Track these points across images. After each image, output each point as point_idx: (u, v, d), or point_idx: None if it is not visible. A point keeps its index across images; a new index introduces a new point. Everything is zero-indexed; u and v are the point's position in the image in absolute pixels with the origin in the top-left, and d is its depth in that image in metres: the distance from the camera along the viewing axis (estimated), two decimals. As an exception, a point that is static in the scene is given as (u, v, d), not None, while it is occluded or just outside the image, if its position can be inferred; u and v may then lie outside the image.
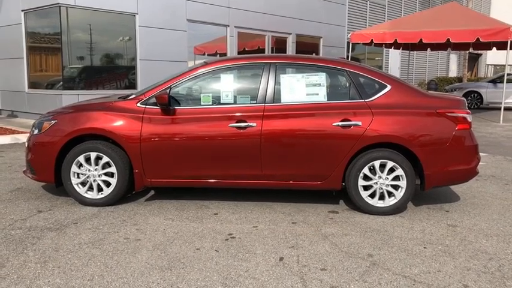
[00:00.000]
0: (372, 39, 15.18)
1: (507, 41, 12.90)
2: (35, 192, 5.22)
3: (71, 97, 10.38)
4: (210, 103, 4.70)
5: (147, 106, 4.68)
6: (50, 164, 4.69)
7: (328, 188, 4.73)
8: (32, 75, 11.46)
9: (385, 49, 20.93)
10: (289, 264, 3.47)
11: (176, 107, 4.65)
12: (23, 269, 3.29)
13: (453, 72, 26.74)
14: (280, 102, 4.67)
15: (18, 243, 3.76)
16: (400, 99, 4.65)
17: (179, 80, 4.76)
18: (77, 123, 4.64)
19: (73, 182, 4.70)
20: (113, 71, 11.46)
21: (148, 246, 3.75)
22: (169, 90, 4.68)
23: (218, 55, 13.73)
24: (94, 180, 4.70)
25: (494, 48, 15.52)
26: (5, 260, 3.44)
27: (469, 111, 4.72)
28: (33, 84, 11.48)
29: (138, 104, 4.70)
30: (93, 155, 4.66)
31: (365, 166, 4.60)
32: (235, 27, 13.88)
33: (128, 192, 4.95)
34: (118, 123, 4.62)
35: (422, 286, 3.16)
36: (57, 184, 4.80)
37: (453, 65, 27.20)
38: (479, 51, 29.19)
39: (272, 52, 15.21)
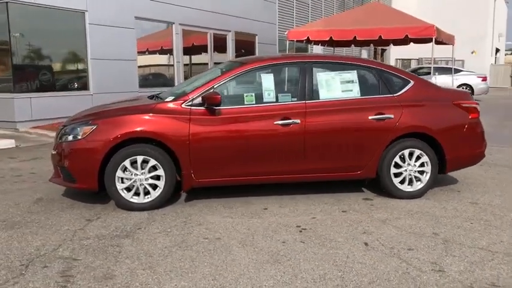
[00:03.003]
0: (308, 37, 15.84)
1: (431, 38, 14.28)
2: (62, 201, 4.96)
3: (23, 101, 9.67)
4: (254, 102, 4.83)
5: (192, 107, 4.69)
6: (94, 170, 4.51)
7: (364, 177, 5.10)
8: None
9: (309, 46, 21.88)
10: (378, 248, 3.77)
11: (222, 107, 4.71)
12: (138, 277, 3.23)
13: (365, 67, 28.74)
14: (319, 99, 4.94)
15: (102, 252, 3.64)
16: (422, 93, 5.15)
17: (221, 80, 4.83)
18: (122, 127, 4.52)
19: (118, 187, 4.57)
20: (65, 71, 10.86)
21: (235, 243, 3.83)
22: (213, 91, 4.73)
23: (171, 53, 13.52)
24: (141, 184, 4.61)
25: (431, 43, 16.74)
26: (108, 269, 3.34)
27: (477, 102, 5.36)
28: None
29: (183, 105, 4.69)
30: (139, 158, 4.56)
31: (396, 155, 5.04)
32: (180, 24, 13.76)
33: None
34: (166, 126, 4.58)
35: (501, 255, 3.64)
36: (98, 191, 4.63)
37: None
38: (385, 47, 31.57)
39: (214, 49, 15.30)
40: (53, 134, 9.10)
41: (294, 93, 4.93)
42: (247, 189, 5.26)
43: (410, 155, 5.07)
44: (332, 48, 20.90)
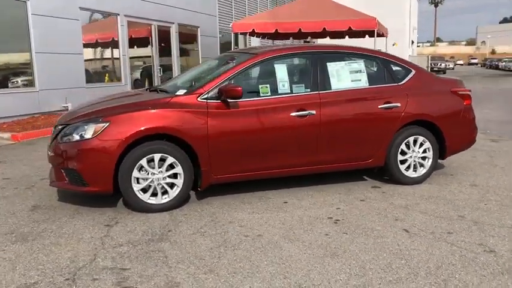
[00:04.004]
0: (254, 29, 15.80)
1: (374, 30, 14.84)
2: (63, 207, 4.52)
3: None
4: (269, 94, 4.71)
5: (208, 100, 4.47)
6: (109, 171, 4.15)
7: (374, 166, 5.18)
8: None
9: (247, 38, 21.86)
10: (420, 234, 3.84)
11: (238, 100, 4.54)
12: (204, 282, 3.02)
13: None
14: (331, 89, 4.92)
15: (147, 259, 3.36)
16: (423, 82, 5.32)
17: (235, 71, 4.64)
18: (138, 123, 4.20)
19: (135, 188, 4.25)
20: (7, 66, 9.91)
21: (280, 239, 3.72)
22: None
23: (116, 46, 12.84)
24: (158, 184, 4.32)
25: (366, 36, 17.31)
26: (167, 277, 3.09)
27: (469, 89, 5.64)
28: None
29: (199, 99, 4.46)
30: (157, 156, 4.27)
31: (402, 142, 5.16)
32: (125, 16, 13.11)
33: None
34: (184, 120, 4.32)
35: (532, 231, 3.87)
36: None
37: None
38: (313, 39, 32.35)
39: (159, 42, 14.78)
40: (3, 135, 8.31)
41: (307, 83, 4.87)
42: (255, 184, 5.12)
43: (414, 142, 5.22)
44: (271, 41, 21.07)
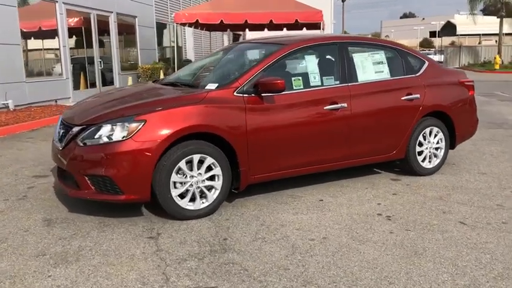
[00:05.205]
0: (198, 20, 15.27)
1: (318, 22, 15.00)
2: (83, 219, 3.94)
3: None
4: (302, 87, 4.45)
5: (244, 95, 4.13)
6: (147, 176, 3.68)
7: (396, 158, 5.13)
8: None
9: (183, 29, 21.15)
10: (478, 225, 3.83)
11: (273, 94, 4.24)
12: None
13: (226, 51, 28.95)
14: (358, 81, 4.77)
15: (228, 273, 2.99)
16: (435, 73, 5.36)
17: (267, 64, 4.33)
18: (178, 121, 3.75)
19: (173, 194, 3.81)
20: None
21: (349, 241, 3.51)
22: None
23: (56, 36, 11.71)
24: (197, 188, 3.92)
25: (304, 28, 17.33)
26: (266, 293, 2.77)
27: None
28: None
29: (235, 93, 4.10)
30: (196, 157, 3.86)
31: (420, 134, 5.17)
32: (64, 3, 12.01)
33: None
34: (223, 118, 3.95)
35: None
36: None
37: (226, 43, 29.43)
38: (239, 32, 32.20)
39: (99, 32, 13.78)
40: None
41: (336, 75, 4.68)
42: (271, 182, 4.80)
43: (430, 133, 5.25)
44: (205, 32, 20.54)
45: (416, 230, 3.72)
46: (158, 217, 3.98)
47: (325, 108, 4.47)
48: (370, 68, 4.90)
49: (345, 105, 4.57)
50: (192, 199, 3.93)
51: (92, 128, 3.75)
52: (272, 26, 16.65)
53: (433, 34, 61.28)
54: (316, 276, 2.97)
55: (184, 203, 3.88)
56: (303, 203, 4.37)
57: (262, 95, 4.17)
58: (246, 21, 15.11)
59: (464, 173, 5.45)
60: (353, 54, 4.82)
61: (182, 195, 3.89)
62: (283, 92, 4.20)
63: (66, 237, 3.56)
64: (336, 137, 4.58)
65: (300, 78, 4.45)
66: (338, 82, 4.65)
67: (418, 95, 5.04)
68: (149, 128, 3.67)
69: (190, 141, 3.84)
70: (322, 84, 4.56)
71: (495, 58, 32.25)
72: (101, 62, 13.74)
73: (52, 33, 11.86)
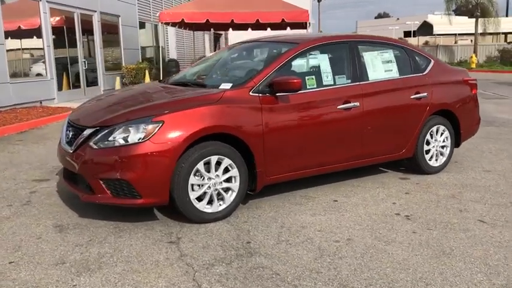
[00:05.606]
0: (183, 19, 15.08)
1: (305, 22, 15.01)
2: (95, 224, 3.79)
3: None
4: (315, 86, 4.39)
5: (260, 94, 4.04)
6: (166, 179, 3.56)
7: (404, 157, 5.11)
8: None
9: (165, 28, 20.89)
10: (498, 224, 3.84)
11: (288, 93, 4.16)
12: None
13: (208, 51, 28.72)
14: (369, 80, 4.74)
15: (260, 278, 2.91)
16: (441, 71, 5.37)
17: (280, 63, 4.25)
18: (195, 122, 3.65)
19: (191, 196, 3.70)
20: None
21: (375, 242, 3.47)
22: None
23: (39, 36, 11.38)
24: (215, 190, 3.82)
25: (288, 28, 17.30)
26: (305, 298, 2.69)
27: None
28: None
29: (251, 93, 4.01)
30: (213, 159, 3.76)
31: (427, 132, 5.18)
32: (47, 2, 11.69)
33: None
34: (240, 118, 3.86)
35: None
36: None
37: (207, 43, 29.18)
38: (220, 32, 32.02)
39: (82, 32, 13.47)
40: None
41: (347, 74, 4.63)
42: (288, 183, 4.71)
43: (436, 131, 5.26)
44: (188, 32, 20.34)
45: (438, 229, 3.70)
46: (174, 221, 3.86)
47: (338, 107, 4.42)
48: (379, 66, 4.87)
49: (358, 104, 4.53)
50: (209, 202, 3.82)
51: (106, 130, 3.61)
52: (256, 26, 16.60)
53: (407, 34, 62.26)
54: (351, 279, 2.91)
55: (202, 206, 3.77)
56: (318, 204, 4.31)
57: (277, 94, 4.09)
58: (232, 20, 15.01)
59: (469, 170, 5.48)
60: (363, 53, 4.79)
61: (199, 198, 3.78)
62: (300, 92, 4.13)
63: (83, 244, 3.42)
64: (350, 136, 4.54)
65: (313, 77, 4.39)
66: (350, 81, 4.61)
67: (425, 94, 5.04)
68: (167, 129, 3.55)
69: (208, 142, 3.74)
70: (334, 83, 4.51)
71: (471, 57, 32.87)
72: (85, 62, 13.43)
73: (36, 33, 11.52)
